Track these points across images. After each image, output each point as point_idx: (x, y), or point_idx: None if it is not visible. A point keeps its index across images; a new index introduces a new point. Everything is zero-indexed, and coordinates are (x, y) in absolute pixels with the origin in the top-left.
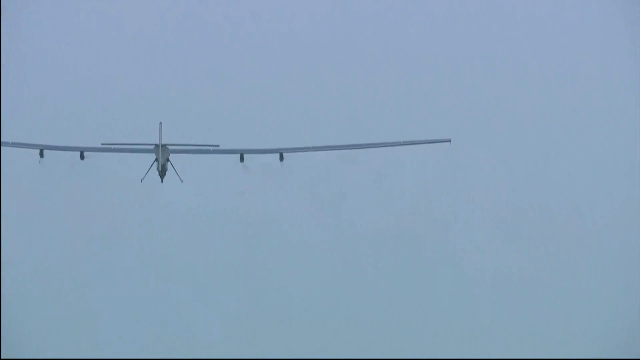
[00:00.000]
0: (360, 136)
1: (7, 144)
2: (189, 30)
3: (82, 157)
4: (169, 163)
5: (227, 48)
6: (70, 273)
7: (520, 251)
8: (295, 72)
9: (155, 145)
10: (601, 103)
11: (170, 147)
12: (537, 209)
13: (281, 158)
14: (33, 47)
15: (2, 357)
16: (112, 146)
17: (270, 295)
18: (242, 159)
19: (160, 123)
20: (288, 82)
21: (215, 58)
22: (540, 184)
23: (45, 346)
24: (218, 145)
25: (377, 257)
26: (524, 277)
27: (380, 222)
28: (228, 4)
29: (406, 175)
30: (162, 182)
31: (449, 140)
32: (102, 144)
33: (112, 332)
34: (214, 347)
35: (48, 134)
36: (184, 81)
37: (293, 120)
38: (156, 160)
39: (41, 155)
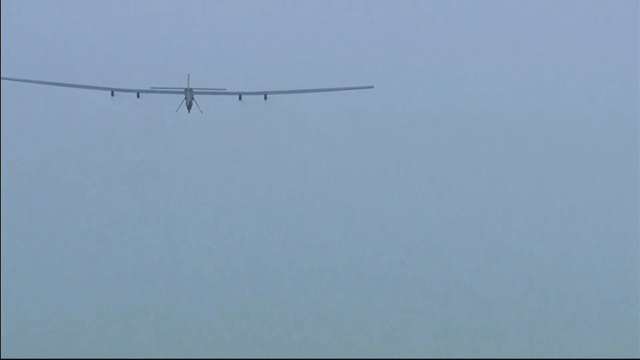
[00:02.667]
0: (291, 83)
1: (89, 87)
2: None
3: (138, 96)
4: (193, 100)
5: (228, 18)
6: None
7: (447, 198)
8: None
9: (185, 89)
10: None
11: (194, 90)
12: (459, 151)
13: (265, 97)
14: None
15: (2, 357)
16: (157, 89)
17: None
18: (240, 98)
19: (188, 74)
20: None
21: (224, 27)
22: (460, 129)
23: (45, 341)
24: (225, 89)
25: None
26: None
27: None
28: None
29: (331, 118)
30: (189, 112)
31: (372, 87)
32: (151, 88)
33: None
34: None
35: (116, 80)
36: (204, 46)
37: (273, 71)
38: (185, 98)
39: (112, 94)
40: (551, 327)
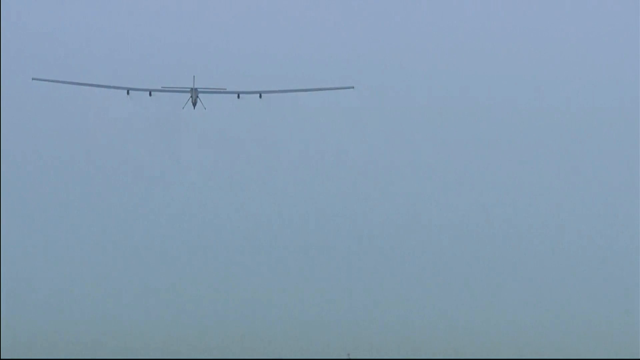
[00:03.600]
0: (268, 83)
1: (107, 86)
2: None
3: (150, 94)
4: (198, 99)
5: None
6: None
7: (435, 202)
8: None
9: (191, 88)
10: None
11: (199, 90)
12: (440, 153)
13: (260, 96)
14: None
15: (2, 357)
16: (167, 88)
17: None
18: (238, 97)
19: (194, 75)
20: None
21: (225, 29)
22: (442, 129)
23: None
24: (225, 89)
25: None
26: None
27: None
28: None
29: (311, 120)
30: (194, 109)
31: (352, 87)
32: (162, 87)
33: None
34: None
35: (130, 79)
36: (208, 49)
37: (269, 71)
38: (190, 97)
39: (127, 93)
40: (551, 326)
